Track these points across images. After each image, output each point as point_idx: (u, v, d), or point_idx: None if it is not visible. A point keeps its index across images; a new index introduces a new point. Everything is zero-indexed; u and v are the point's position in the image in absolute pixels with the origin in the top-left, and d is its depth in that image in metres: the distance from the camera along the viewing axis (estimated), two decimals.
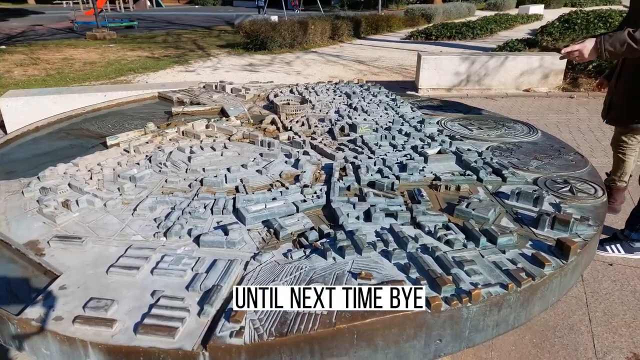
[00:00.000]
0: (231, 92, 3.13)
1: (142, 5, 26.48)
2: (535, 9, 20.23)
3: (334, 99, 2.97)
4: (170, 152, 1.84)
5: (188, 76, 8.00)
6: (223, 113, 2.71)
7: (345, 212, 1.39)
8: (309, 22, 12.35)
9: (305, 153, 1.94)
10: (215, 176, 1.62)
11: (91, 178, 1.58)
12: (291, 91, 3.15)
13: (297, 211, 1.43)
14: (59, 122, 2.39)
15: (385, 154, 1.91)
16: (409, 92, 7.02)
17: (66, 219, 1.34)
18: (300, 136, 2.16)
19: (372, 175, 1.69)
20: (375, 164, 1.79)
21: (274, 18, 13.16)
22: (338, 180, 1.64)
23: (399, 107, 2.75)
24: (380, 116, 2.56)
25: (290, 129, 2.31)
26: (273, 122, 2.47)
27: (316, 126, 2.37)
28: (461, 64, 6.81)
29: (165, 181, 1.58)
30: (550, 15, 17.49)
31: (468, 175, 1.67)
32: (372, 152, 1.94)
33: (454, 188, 1.61)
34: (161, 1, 29.24)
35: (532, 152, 1.97)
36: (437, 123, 2.44)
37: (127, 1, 24.70)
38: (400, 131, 2.22)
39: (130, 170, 1.60)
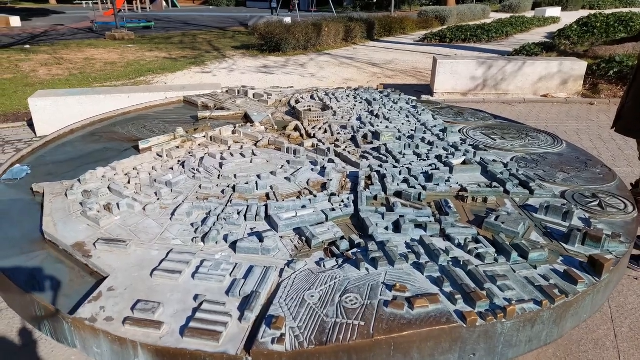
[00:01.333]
0: (253, 97, 3.19)
1: (159, 5, 26.84)
2: (552, 11, 20.00)
3: (354, 105, 3.00)
4: (202, 158, 1.89)
5: (205, 77, 8.12)
6: (247, 118, 2.76)
7: (374, 222, 1.43)
8: (323, 24, 12.41)
9: (331, 161, 1.98)
10: (247, 183, 1.66)
11: (129, 182, 1.64)
12: (312, 97, 3.19)
13: (327, 220, 1.47)
14: (91, 125, 2.47)
15: (410, 163, 1.93)
16: (424, 97, 7.03)
17: (109, 222, 1.40)
18: (324, 143, 2.20)
19: (398, 185, 1.72)
20: (400, 174, 1.82)
21: (287, 20, 13.24)
22: (365, 189, 1.67)
23: (420, 115, 2.77)
24: (402, 124, 2.58)
25: (314, 136, 2.35)
26: (296, 129, 2.51)
27: (339, 133, 2.41)
28: (477, 68, 6.79)
29: (199, 187, 1.63)
30: (568, 18, 17.26)
31: (494, 187, 1.69)
32: (397, 161, 1.97)
33: (481, 200, 1.63)
34: (177, 2, 29.58)
35: (557, 164, 1.98)
36: (460, 132, 2.46)
37: (144, 2, 25.05)
38: (423, 140, 2.25)
39: (166, 176, 1.66)
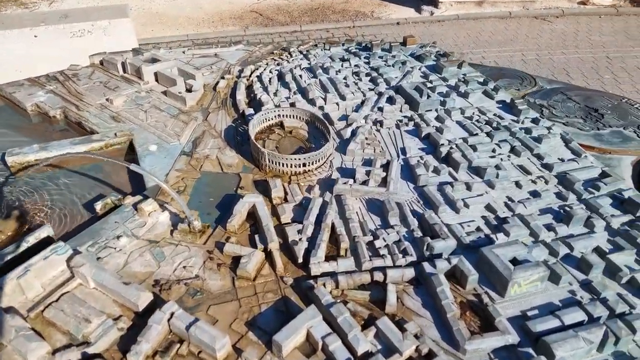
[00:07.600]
0: (156, 82, 1.45)
1: None
2: None
3: (372, 104, 1.35)
4: None
5: None
6: (132, 153, 1.13)
7: None
8: None
9: None
10: None
11: None
12: (280, 74, 1.48)
13: None
14: None
15: None
16: (426, 8, 5.12)
17: None
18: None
19: None
20: None
21: None
22: None
23: (543, 151, 1.22)
24: (516, 184, 1.06)
25: (311, 271, 0.82)
26: (257, 225, 0.94)
27: (382, 253, 0.88)
28: None
29: None
30: None
31: None
32: None
33: None
34: None
35: None
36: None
37: None
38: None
39: None
